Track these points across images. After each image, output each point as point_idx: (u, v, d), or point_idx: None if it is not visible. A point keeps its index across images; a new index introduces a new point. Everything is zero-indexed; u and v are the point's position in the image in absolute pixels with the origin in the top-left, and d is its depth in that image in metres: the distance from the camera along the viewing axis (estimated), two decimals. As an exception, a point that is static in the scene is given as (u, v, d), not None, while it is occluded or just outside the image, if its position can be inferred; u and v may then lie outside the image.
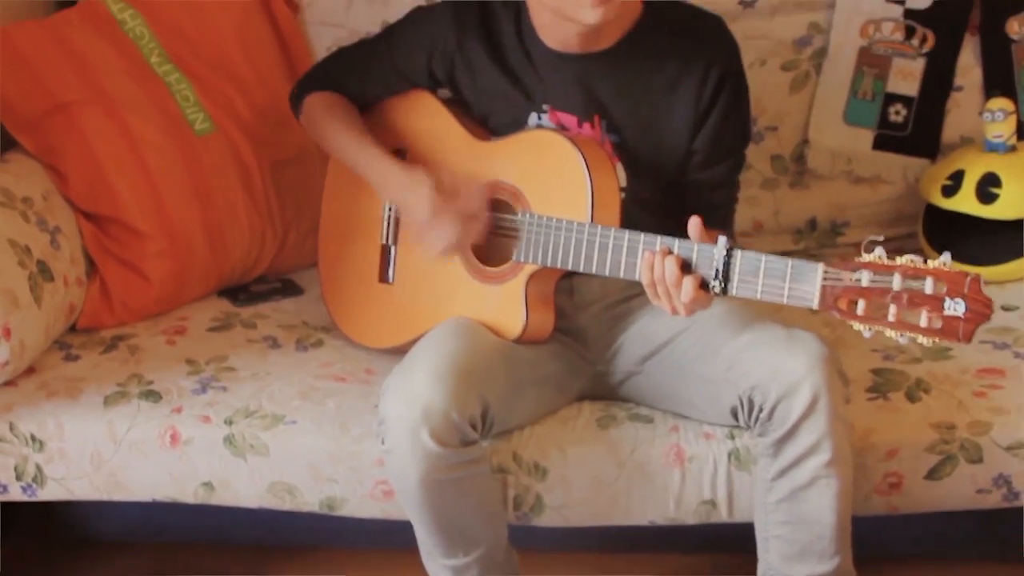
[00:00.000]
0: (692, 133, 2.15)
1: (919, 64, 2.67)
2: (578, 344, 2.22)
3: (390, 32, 2.32)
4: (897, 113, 2.69)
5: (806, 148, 2.72)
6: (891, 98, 2.69)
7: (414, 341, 2.13)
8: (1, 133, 2.46)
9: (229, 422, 2.16)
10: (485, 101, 2.23)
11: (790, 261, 1.86)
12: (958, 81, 2.68)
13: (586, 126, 2.16)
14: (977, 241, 2.54)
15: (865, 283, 1.78)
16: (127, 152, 2.43)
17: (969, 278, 1.73)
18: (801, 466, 1.98)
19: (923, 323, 1.75)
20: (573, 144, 2.07)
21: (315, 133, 2.34)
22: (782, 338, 2.02)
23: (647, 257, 1.95)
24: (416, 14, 2.30)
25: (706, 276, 1.92)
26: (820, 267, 1.83)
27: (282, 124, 2.53)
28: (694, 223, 1.94)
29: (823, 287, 1.82)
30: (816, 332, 2.04)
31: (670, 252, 1.94)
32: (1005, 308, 2.43)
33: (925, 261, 1.76)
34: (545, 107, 2.18)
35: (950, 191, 2.56)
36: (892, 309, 1.76)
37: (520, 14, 2.17)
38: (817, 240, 2.75)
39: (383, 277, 2.31)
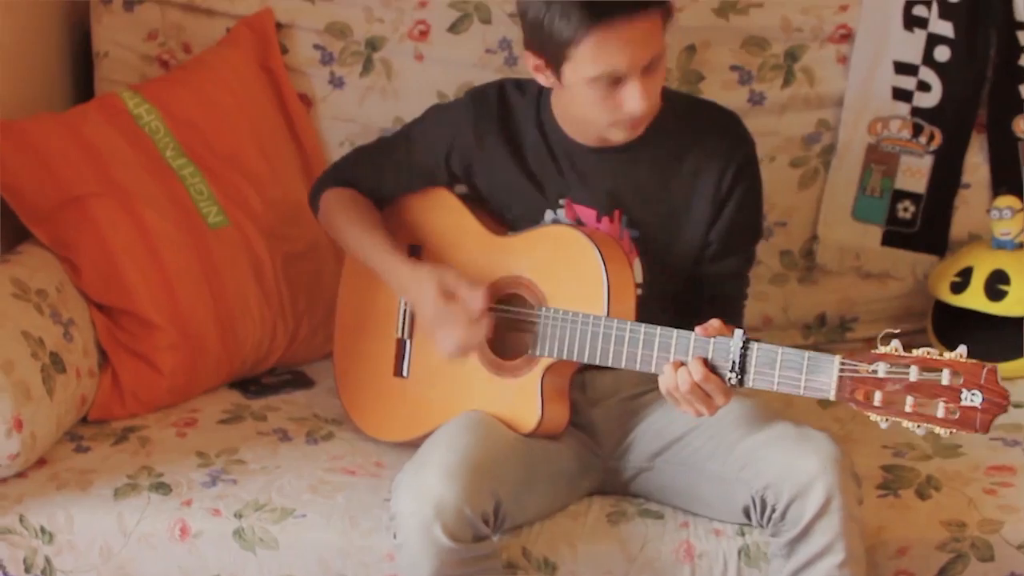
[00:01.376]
0: (708, 226, 2.20)
1: (927, 161, 2.72)
2: (590, 439, 2.24)
3: (408, 130, 2.36)
4: (905, 210, 2.74)
5: (815, 244, 2.76)
6: (899, 195, 2.74)
7: (427, 435, 2.15)
8: (16, 225, 2.50)
9: (239, 515, 2.17)
10: (502, 195, 2.27)
11: (806, 353, 1.90)
12: (966, 178, 2.74)
13: (605, 220, 2.21)
14: (986, 338, 2.58)
15: (882, 374, 1.82)
16: (141, 245, 2.46)
17: (986, 369, 1.77)
18: (814, 567, 1.99)
19: (940, 414, 1.78)
20: (590, 239, 2.11)
21: (331, 229, 2.37)
22: (794, 437, 2.04)
23: (667, 370, 1.99)
24: (435, 111, 2.36)
25: (722, 369, 1.95)
26: (837, 359, 1.86)
27: (294, 218, 2.58)
28: (713, 324, 1.97)
29: (840, 378, 1.86)
30: (826, 429, 2.06)
31: (683, 364, 1.97)
32: (1015, 405, 2.43)
33: (941, 353, 1.79)
34: (562, 201, 2.22)
35: (959, 288, 2.60)
36: (909, 400, 1.80)
37: (540, 103, 2.22)
38: (826, 336, 2.79)
39: (398, 371, 2.33)
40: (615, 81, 2.03)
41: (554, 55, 2.05)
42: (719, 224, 2.20)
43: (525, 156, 2.23)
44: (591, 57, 2.01)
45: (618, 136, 2.11)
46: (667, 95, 2.18)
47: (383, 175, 2.36)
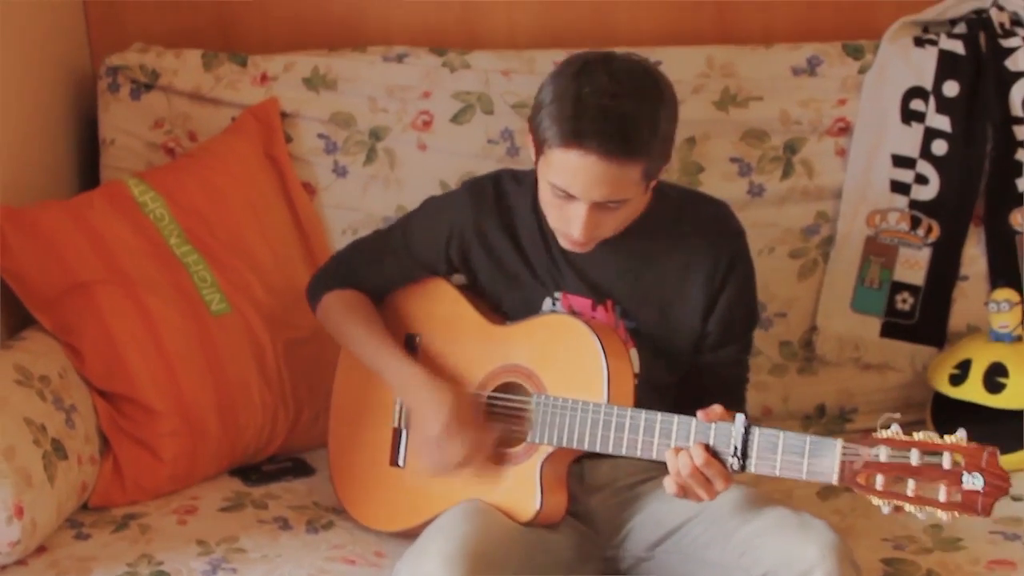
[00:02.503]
0: (704, 316, 2.24)
1: (925, 254, 2.76)
2: (588, 528, 2.26)
3: (406, 222, 2.42)
4: (904, 301, 2.77)
5: (814, 335, 2.79)
6: (898, 286, 2.78)
7: (425, 524, 2.17)
8: (20, 310, 2.53)
9: (239, 604, 2.19)
10: (500, 285, 2.31)
11: (808, 437, 1.93)
12: (964, 271, 2.78)
13: (600, 310, 2.25)
14: (985, 430, 2.55)
15: (883, 459, 1.85)
16: (144, 331, 2.50)
17: (986, 452, 1.80)
18: None
19: (942, 498, 1.81)
20: (589, 327, 2.15)
21: (333, 332, 2.41)
22: (794, 525, 2.06)
23: (668, 456, 2.02)
24: (432, 202, 2.41)
25: (724, 454, 1.99)
26: (839, 443, 1.90)
27: (297, 305, 2.60)
28: (715, 409, 2.01)
29: (842, 462, 1.89)
30: (826, 520, 2.08)
31: (681, 450, 2.00)
32: (1014, 498, 2.46)
33: (942, 437, 1.83)
34: (558, 293, 2.27)
35: (958, 380, 2.63)
36: (911, 484, 1.83)
37: (536, 196, 2.25)
38: (826, 426, 2.81)
39: (394, 460, 2.35)
40: (569, 198, 2.08)
41: (538, 144, 2.11)
42: (715, 315, 2.24)
43: (522, 246, 2.28)
44: (554, 168, 2.07)
45: (563, 243, 2.17)
46: (659, 187, 2.23)
47: (381, 267, 2.40)
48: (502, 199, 2.30)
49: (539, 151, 2.12)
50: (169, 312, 2.54)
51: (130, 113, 2.83)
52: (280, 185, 2.80)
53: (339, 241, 2.77)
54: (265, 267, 2.70)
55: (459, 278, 2.39)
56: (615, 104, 2.02)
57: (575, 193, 2.06)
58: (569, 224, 2.10)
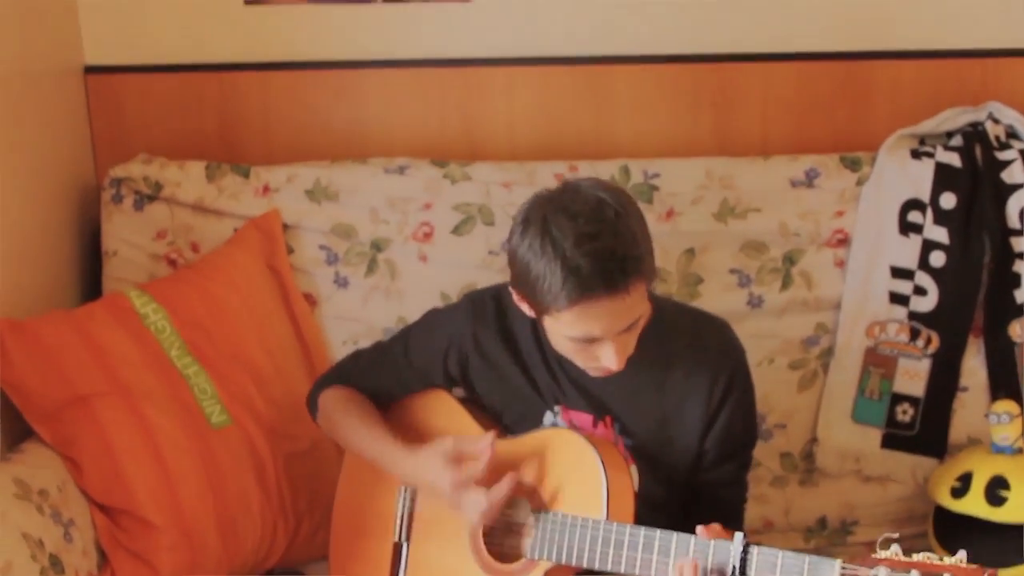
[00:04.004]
0: (702, 435, 2.27)
1: (925, 365, 2.80)
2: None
3: (406, 334, 2.46)
4: (904, 413, 2.80)
5: (815, 446, 2.82)
6: (898, 398, 2.80)
7: (425, 638, 2.20)
8: (20, 422, 2.56)
9: None
10: (500, 398, 2.36)
11: (807, 557, 1.95)
12: (964, 382, 2.81)
13: (600, 426, 2.28)
14: (987, 542, 2.61)
15: (883, 579, 1.87)
16: (143, 445, 2.52)
17: (986, 574, 1.81)
18: None
19: (942, 619, 1.83)
20: (590, 443, 2.18)
21: (330, 429, 2.45)
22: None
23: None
24: (432, 315, 2.45)
25: (723, 573, 2.00)
26: (838, 563, 1.91)
27: (297, 417, 2.64)
28: (715, 526, 2.03)
29: (842, 583, 1.91)
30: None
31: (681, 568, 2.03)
32: (1016, 615, 2.49)
33: (941, 558, 1.85)
34: (558, 407, 2.30)
35: (959, 493, 2.64)
36: (911, 605, 1.84)
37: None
38: (828, 539, 2.83)
39: (394, 575, 2.37)
40: (592, 341, 2.13)
41: (536, 306, 2.14)
42: (713, 433, 2.28)
43: (522, 360, 2.32)
44: (570, 324, 2.11)
45: (594, 374, 2.21)
46: (658, 303, 2.28)
47: (381, 379, 2.44)
48: (503, 313, 2.34)
49: (541, 314, 2.15)
50: (169, 424, 2.56)
51: (133, 224, 2.88)
52: (281, 296, 2.85)
53: (340, 352, 2.81)
54: (266, 378, 2.73)
55: (459, 391, 2.42)
56: (598, 245, 2.06)
57: (599, 335, 2.11)
58: (600, 360, 2.14)
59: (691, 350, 2.28)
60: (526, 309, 2.20)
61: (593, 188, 2.13)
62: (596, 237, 2.06)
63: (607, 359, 2.13)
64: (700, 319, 2.37)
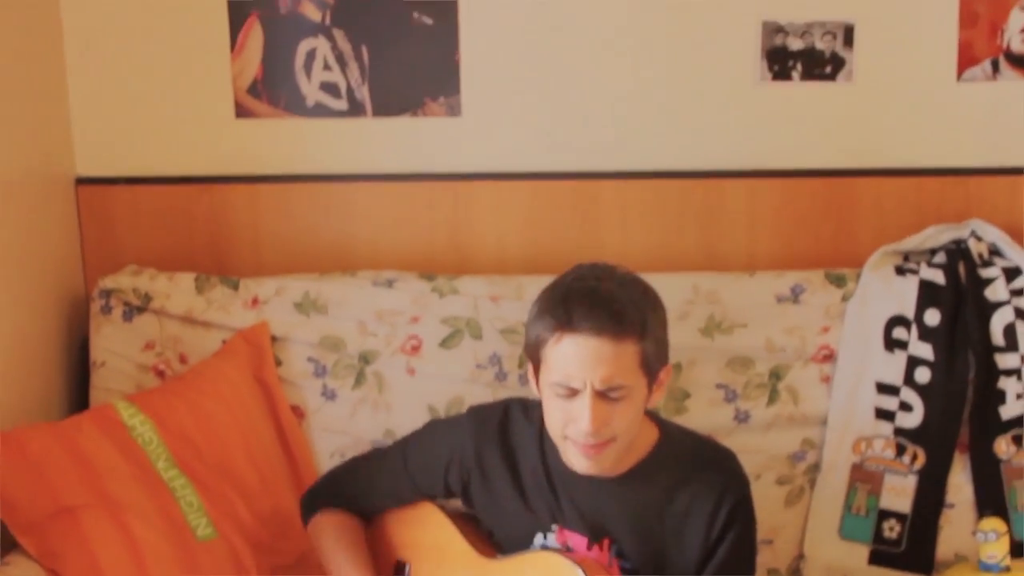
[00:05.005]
0: (700, 564, 2.28)
1: (911, 481, 2.83)
2: None
3: (406, 443, 2.48)
4: (891, 529, 2.82)
5: (802, 562, 2.84)
6: (885, 514, 2.83)
7: None
8: (3, 534, 2.56)
9: None
10: (495, 515, 2.37)
11: None
12: (950, 498, 2.84)
13: (595, 548, 2.30)
14: (977, 660, 2.64)
15: None
16: (128, 558, 2.51)
17: None
18: None
19: None
20: (579, 567, 2.18)
21: (319, 551, 2.47)
22: None
23: None
24: (435, 426, 2.48)
25: None
26: None
27: (283, 531, 2.65)
28: None
29: None
30: None
31: None
32: None
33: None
34: (554, 527, 2.32)
35: (948, 610, 2.67)
36: None
37: (543, 428, 2.32)
38: (817, 656, 2.84)
39: None
40: (571, 393, 2.16)
41: (534, 356, 2.20)
42: (711, 563, 2.28)
43: (522, 479, 2.34)
44: (553, 361, 2.16)
45: (577, 463, 2.21)
46: (664, 428, 2.31)
47: (377, 488, 2.47)
48: (506, 429, 2.37)
49: (537, 367, 2.20)
50: (154, 537, 2.57)
51: (121, 335, 2.92)
52: (269, 408, 2.88)
53: (327, 464, 2.83)
54: (252, 491, 2.75)
55: (456, 503, 2.44)
56: (600, 286, 2.15)
57: (576, 383, 2.14)
58: (577, 422, 2.16)
59: (696, 478, 2.29)
60: (534, 386, 2.23)
61: (616, 265, 2.24)
62: (603, 280, 2.16)
63: (582, 418, 2.14)
64: (706, 447, 2.39)
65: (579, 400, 2.15)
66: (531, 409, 2.37)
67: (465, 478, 2.38)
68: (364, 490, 2.47)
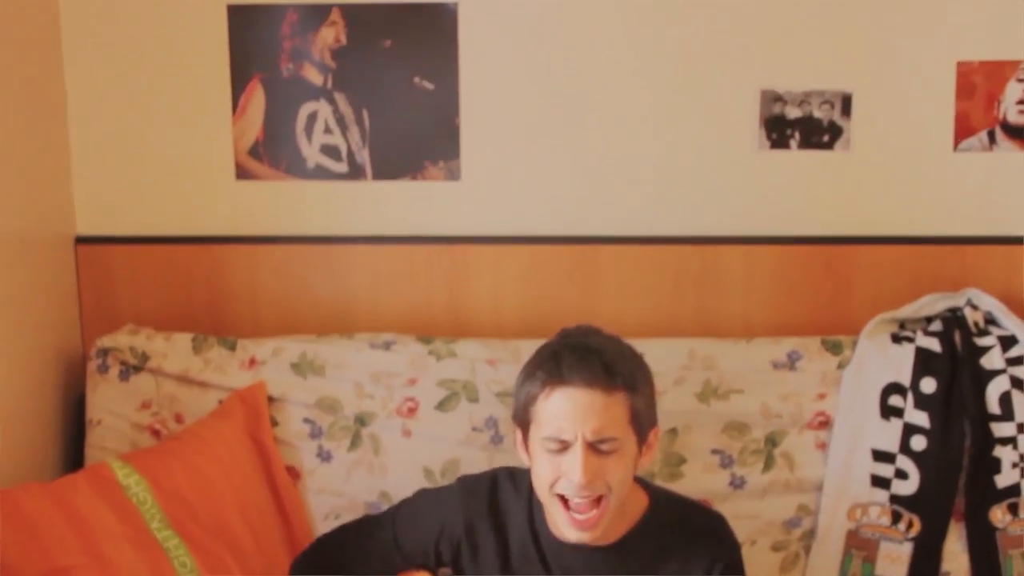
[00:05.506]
0: (693, 630, 2.29)
1: (906, 549, 2.84)
2: None
3: (395, 512, 2.50)
4: (887, 597, 2.84)
5: (798, 630, 2.84)
6: (880, 582, 2.83)
7: None
8: (-4, 594, 2.58)
9: None
10: (483, 587, 2.38)
11: None
12: (945, 567, 2.85)
13: (588, 619, 2.31)
14: None
15: None
16: (121, 618, 2.54)
17: None
18: None
19: None
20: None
21: None
22: None
23: None
24: (425, 495, 2.49)
25: None
26: None
27: (277, 592, 2.66)
28: None
29: None
30: None
31: None
32: None
33: None
34: (548, 600, 2.33)
35: None
36: None
37: (532, 498, 2.35)
38: None
39: None
40: (563, 447, 2.19)
41: (523, 419, 2.24)
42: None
43: (510, 549, 2.36)
44: (544, 415, 2.20)
45: (567, 532, 2.23)
46: (653, 493, 2.33)
47: (365, 556, 2.48)
48: (495, 500, 2.39)
49: (527, 428, 2.23)
50: (147, 598, 2.58)
51: (118, 394, 2.94)
52: (264, 469, 2.89)
53: (322, 526, 2.84)
54: (246, 552, 2.75)
55: (446, 572, 2.45)
56: (590, 340, 2.22)
57: (567, 435, 2.17)
58: (569, 475, 2.18)
59: (687, 544, 2.32)
60: (523, 454, 2.27)
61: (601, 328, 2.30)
62: (587, 337, 2.22)
63: (573, 471, 2.16)
64: (696, 511, 2.41)
65: (570, 453, 2.19)
66: (519, 479, 2.40)
67: (455, 551, 2.40)
68: (353, 558, 2.48)
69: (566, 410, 2.18)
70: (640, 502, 2.34)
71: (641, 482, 2.38)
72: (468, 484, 2.44)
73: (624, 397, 2.20)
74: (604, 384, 2.19)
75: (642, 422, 2.24)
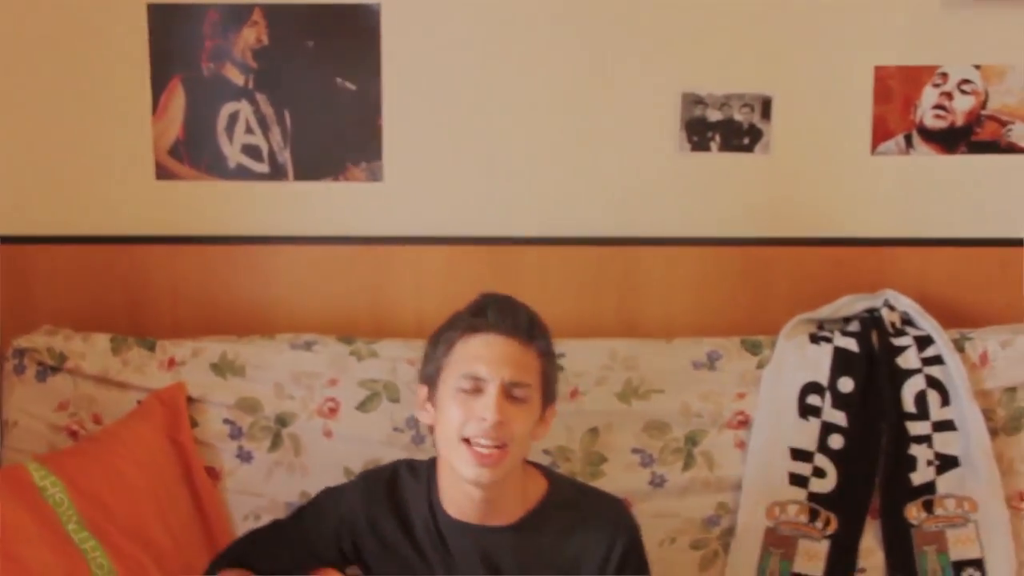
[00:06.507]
0: (596, 610, 2.33)
1: (824, 546, 2.89)
2: None
3: (300, 512, 2.53)
4: (804, 594, 2.89)
5: (717, 627, 2.89)
6: (798, 579, 2.88)
7: None
8: (-92, 597, 2.57)
9: None
10: (395, 574, 2.41)
11: None
12: (861, 563, 2.90)
13: (490, 604, 2.34)
14: None
15: None
16: (37, 620, 2.53)
17: None
18: None
19: None
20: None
21: None
22: None
23: None
24: (326, 495, 2.52)
25: None
26: None
27: (196, 593, 2.67)
28: None
29: None
30: None
31: None
32: None
33: None
34: (451, 583, 2.37)
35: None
36: None
37: (431, 485, 2.40)
38: None
39: None
40: (476, 390, 2.26)
41: (435, 371, 2.32)
42: (608, 608, 2.34)
43: (415, 537, 2.40)
44: (461, 356, 2.28)
45: (467, 469, 2.27)
46: (553, 479, 2.38)
47: (276, 557, 2.50)
48: (396, 491, 2.43)
49: (437, 377, 2.31)
50: (63, 600, 2.58)
51: (35, 395, 2.93)
52: (183, 470, 2.90)
53: (242, 527, 2.85)
54: (165, 553, 2.75)
55: (355, 570, 2.48)
56: (512, 301, 2.34)
57: (483, 373, 2.25)
58: (481, 414, 2.25)
59: (586, 525, 2.36)
60: (426, 415, 2.36)
61: None
62: (511, 299, 2.34)
63: (485, 409, 2.24)
64: (595, 495, 2.46)
65: (484, 396, 2.27)
66: (418, 469, 2.46)
67: (357, 543, 2.43)
68: (264, 561, 2.50)
69: (485, 353, 2.29)
70: (539, 486, 2.40)
71: (540, 467, 2.45)
72: (368, 478, 2.49)
73: (539, 357, 2.31)
74: (525, 337, 2.30)
75: (548, 390, 2.35)
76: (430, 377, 2.37)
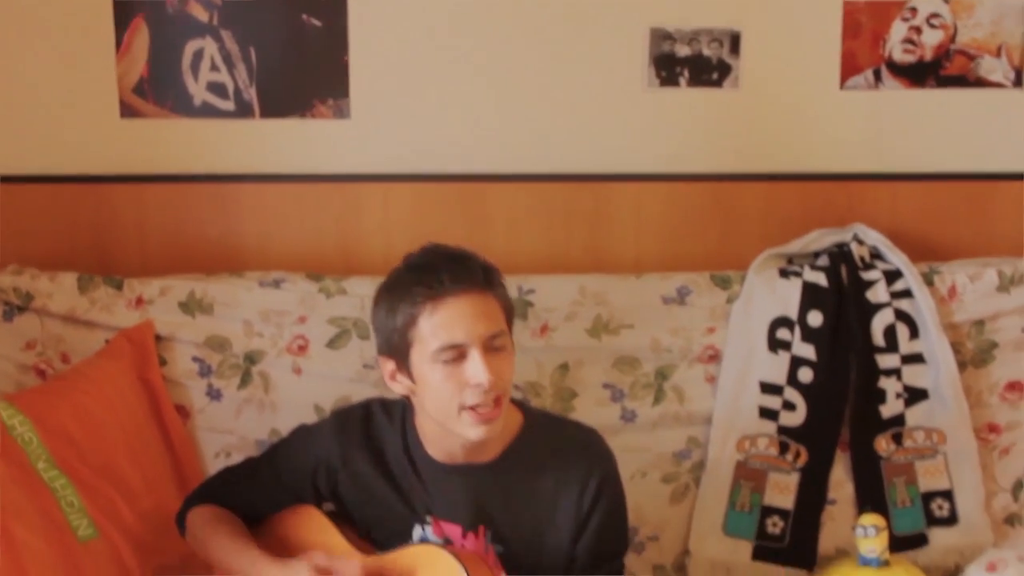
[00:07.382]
0: (572, 541, 2.36)
1: (794, 478, 2.93)
2: None
3: (274, 450, 2.53)
4: (775, 525, 2.92)
5: (687, 558, 2.92)
6: (768, 511, 2.93)
7: None
8: None
9: None
10: (369, 513, 2.43)
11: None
12: (831, 495, 2.94)
13: (470, 536, 2.36)
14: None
15: None
16: (7, 561, 2.49)
17: None
18: None
19: None
20: (457, 559, 2.24)
21: (198, 546, 2.50)
22: None
23: None
24: (300, 432, 2.53)
25: None
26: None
27: (167, 530, 2.67)
28: None
29: None
30: None
31: None
32: None
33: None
34: (429, 518, 2.38)
35: (828, 603, 2.76)
36: None
37: (406, 424, 2.41)
38: (703, 655, 2.92)
39: None
40: (459, 356, 2.24)
41: (401, 346, 2.27)
42: (584, 539, 2.37)
43: (392, 474, 2.41)
44: (431, 331, 2.24)
45: (471, 431, 2.27)
46: (527, 412, 2.40)
47: (251, 496, 2.51)
48: (370, 430, 2.43)
49: (407, 349, 2.27)
50: (34, 539, 2.55)
51: (2, 335, 2.93)
52: (153, 408, 2.91)
53: (212, 464, 2.87)
54: (135, 491, 2.77)
55: (329, 506, 2.49)
56: (460, 254, 2.29)
57: (461, 338, 2.23)
58: (471, 377, 2.23)
59: (561, 455, 2.38)
60: (399, 386, 2.33)
61: None
62: (445, 249, 2.30)
63: (476, 372, 2.23)
64: (568, 426, 2.48)
65: (470, 361, 2.24)
66: (391, 407, 2.45)
67: (333, 480, 2.44)
68: (239, 498, 2.51)
69: (456, 318, 2.24)
70: (515, 420, 2.40)
71: (514, 401, 2.44)
72: (342, 417, 2.49)
73: (499, 301, 2.30)
74: (485, 286, 2.27)
75: (511, 325, 2.33)
76: (397, 351, 2.31)
